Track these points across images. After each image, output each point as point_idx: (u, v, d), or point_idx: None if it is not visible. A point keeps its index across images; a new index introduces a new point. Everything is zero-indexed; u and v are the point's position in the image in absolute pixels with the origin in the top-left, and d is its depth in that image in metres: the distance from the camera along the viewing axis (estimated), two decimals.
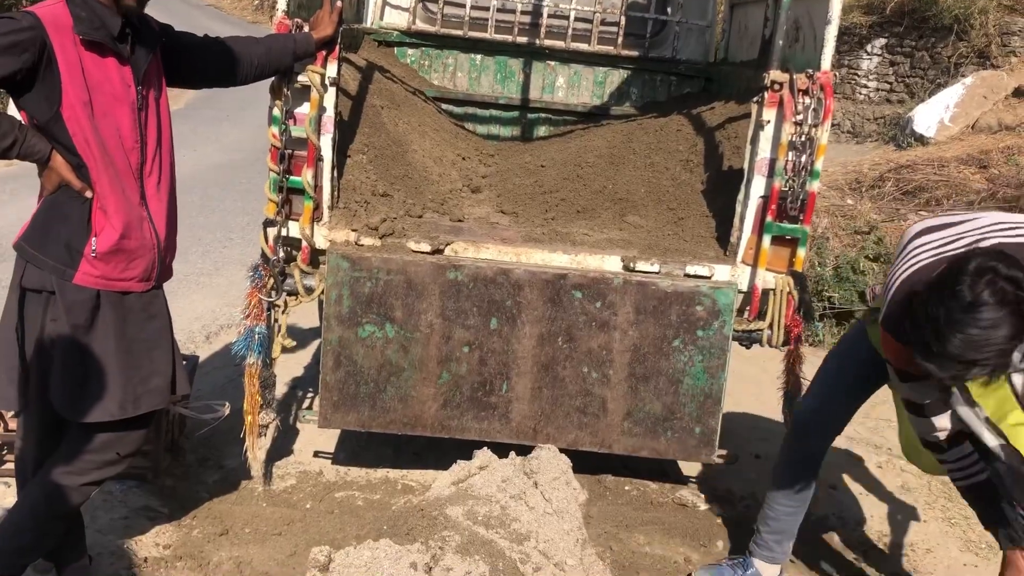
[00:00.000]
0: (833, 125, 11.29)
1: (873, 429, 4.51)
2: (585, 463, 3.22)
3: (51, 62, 2.11)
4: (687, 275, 3.04)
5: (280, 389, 4.12)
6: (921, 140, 9.18)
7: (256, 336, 3.01)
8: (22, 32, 2.07)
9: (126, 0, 2.19)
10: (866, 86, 11.23)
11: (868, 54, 11.17)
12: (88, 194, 2.22)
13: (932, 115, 9.26)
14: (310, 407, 4.06)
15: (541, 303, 2.99)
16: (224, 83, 2.69)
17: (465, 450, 2.84)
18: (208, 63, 2.60)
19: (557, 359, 3.03)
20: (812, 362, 3.08)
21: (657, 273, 3.04)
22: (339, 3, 2.88)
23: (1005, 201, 6.78)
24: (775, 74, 2.92)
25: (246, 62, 2.66)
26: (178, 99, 12.59)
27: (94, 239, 2.24)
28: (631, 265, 3.05)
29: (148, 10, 2.34)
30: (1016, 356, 2.00)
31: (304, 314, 4.60)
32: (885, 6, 10.67)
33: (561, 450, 2.80)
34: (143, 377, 2.38)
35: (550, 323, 3.01)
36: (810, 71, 2.93)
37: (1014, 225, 2.21)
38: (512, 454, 2.75)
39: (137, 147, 2.29)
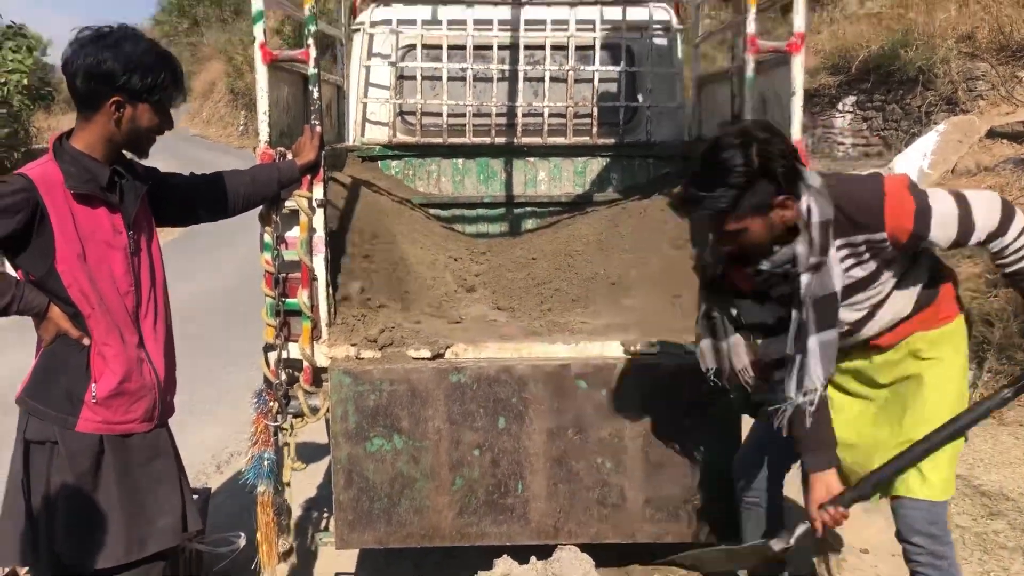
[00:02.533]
0: None
1: None
2: (610, 555, 3.16)
3: (44, 220, 2.17)
4: (688, 352, 3.04)
5: (295, 512, 4.07)
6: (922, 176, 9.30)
7: (265, 463, 3.00)
8: (15, 195, 2.14)
9: (145, 149, 2.36)
10: (842, 143, 11.45)
11: (840, 112, 11.43)
12: (86, 342, 2.25)
13: (911, 164, 9.40)
14: (326, 528, 3.99)
15: (547, 397, 2.99)
16: (213, 218, 2.75)
17: (486, 556, 2.79)
18: (196, 201, 2.67)
19: (569, 452, 3.01)
20: None
21: (659, 354, 3.04)
22: (319, 128, 2.97)
23: None
24: None
25: (232, 196, 2.72)
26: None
27: (94, 385, 2.27)
28: (632, 349, 3.05)
29: None
30: (802, 251, 2.20)
31: (314, 432, 4.58)
32: (850, 65, 10.97)
33: (584, 545, 2.76)
34: (149, 518, 2.37)
35: (558, 416, 2.99)
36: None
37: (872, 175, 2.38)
38: (533, 559, 2.71)
39: (132, 290, 2.33)
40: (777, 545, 2.51)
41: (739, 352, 2.56)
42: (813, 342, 2.29)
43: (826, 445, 2.42)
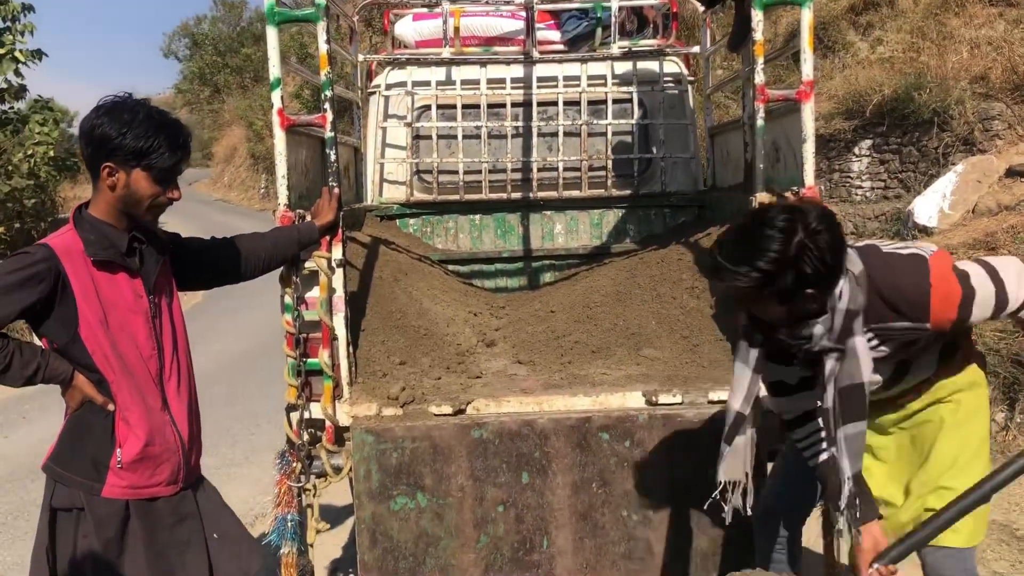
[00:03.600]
0: None
1: None
2: None
3: (66, 288, 2.21)
4: (711, 402, 3.02)
5: (320, 573, 4.04)
6: (925, 231, 9.25)
7: (289, 524, 2.99)
8: (37, 265, 2.19)
9: (146, 219, 2.35)
10: (860, 187, 11.44)
11: (857, 156, 11.44)
12: (110, 407, 2.28)
13: (931, 205, 9.38)
14: None
15: (569, 450, 2.97)
16: (234, 280, 2.78)
17: None
18: (217, 264, 2.71)
19: (594, 506, 2.97)
20: None
21: (681, 403, 3.02)
22: (337, 189, 3.02)
23: None
24: (761, 196, 3.00)
25: (253, 258, 2.76)
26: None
27: (119, 450, 2.28)
28: (653, 399, 3.04)
29: (170, 208, 2.49)
30: (819, 331, 2.13)
31: (338, 492, 4.57)
32: (864, 109, 11.01)
33: None
34: None
35: (582, 469, 2.97)
36: (795, 188, 3.01)
37: (906, 244, 2.32)
38: None
39: (155, 354, 2.36)
40: None
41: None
42: (840, 435, 2.22)
43: (866, 494, 2.33)
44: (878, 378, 2.31)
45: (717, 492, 2.50)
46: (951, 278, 2.16)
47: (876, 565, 2.24)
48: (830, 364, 2.18)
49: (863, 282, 2.14)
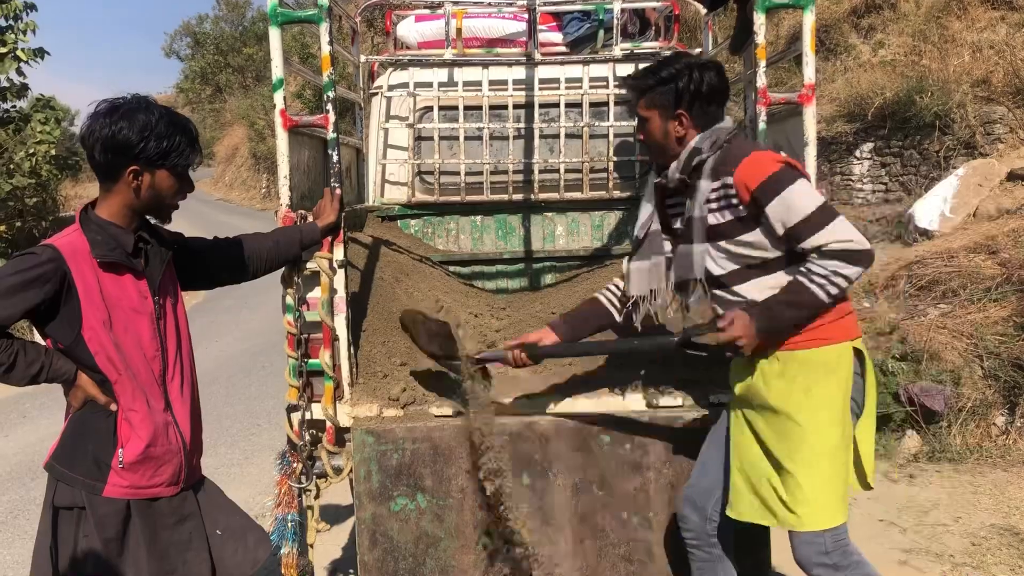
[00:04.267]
0: None
1: (930, 536, 4.35)
2: None
3: (71, 289, 2.22)
4: (712, 404, 3.02)
5: (320, 574, 4.04)
6: (926, 234, 9.26)
7: (289, 524, 2.99)
8: (43, 266, 2.19)
9: (167, 215, 2.42)
10: (862, 190, 11.44)
11: (858, 159, 11.44)
12: (113, 407, 2.28)
13: (932, 209, 9.38)
14: None
15: (570, 452, 2.97)
16: (237, 281, 2.80)
17: None
18: (221, 264, 2.72)
19: (594, 508, 2.98)
20: None
21: (681, 406, 3.02)
22: (338, 190, 3.02)
23: (1020, 283, 6.77)
24: None
25: (256, 258, 2.77)
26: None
27: (120, 450, 2.29)
28: (654, 401, 3.04)
29: None
30: (672, 167, 2.62)
31: (338, 493, 4.57)
32: (866, 112, 11.01)
33: None
34: None
35: (582, 472, 2.97)
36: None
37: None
38: None
39: (158, 355, 2.37)
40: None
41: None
42: (695, 249, 2.60)
43: (570, 318, 2.97)
44: (719, 268, 2.58)
45: (630, 304, 2.89)
46: (775, 163, 2.43)
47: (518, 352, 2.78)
48: (706, 185, 2.55)
49: (720, 138, 2.55)
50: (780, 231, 2.40)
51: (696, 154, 2.56)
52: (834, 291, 2.38)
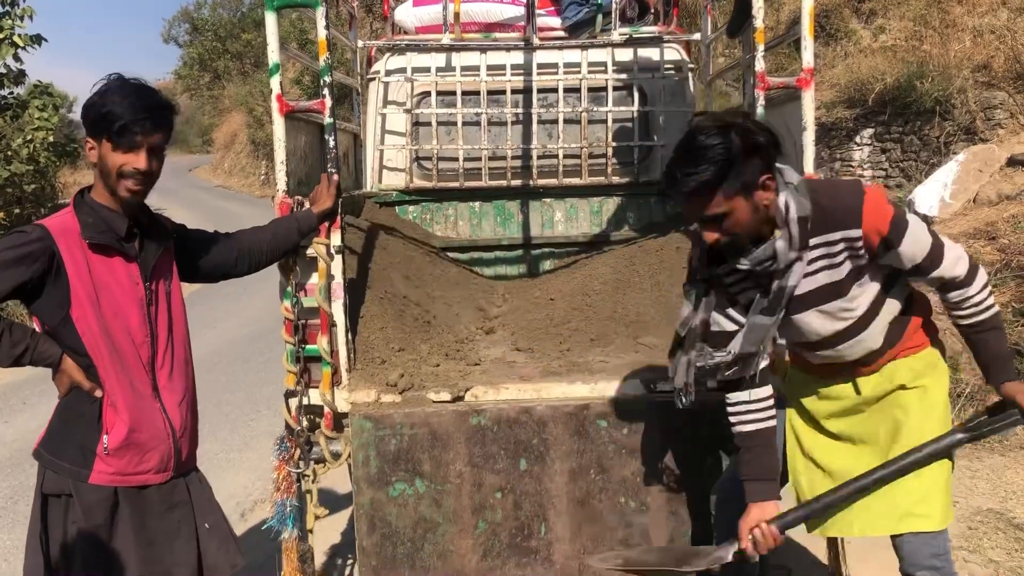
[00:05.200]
0: None
1: None
2: None
3: (60, 269, 2.22)
4: (708, 389, 3.02)
5: (319, 559, 4.05)
6: (926, 219, 9.24)
7: (288, 510, 3.00)
8: (31, 244, 2.20)
9: (121, 194, 2.29)
10: (862, 175, 11.42)
11: (858, 145, 11.42)
12: (98, 394, 2.28)
13: (932, 194, 9.37)
14: (350, 574, 3.98)
15: (567, 437, 2.98)
16: (238, 274, 2.80)
17: None
18: (221, 258, 2.71)
19: (592, 493, 2.98)
20: None
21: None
22: (336, 176, 3.02)
23: (1020, 269, 6.76)
24: None
25: (257, 252, 2.78)
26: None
27: (105, 436, 2.29)
28: (652, 387, 3.04)
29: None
30: (782, 247, 2.20)
31: (337, 478, 4.58)
32: (866, 98, 10.98)
33: None
34: (165, 570, 2.37)
35: (579, 456, 2.98)
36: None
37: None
38: None
39: (147, 341, 2.36)
40: (713, 554, 2.51)
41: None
42: (751, 320, 2.34)
43: (767, 474, 2.45)
44: (821, 322, 2.35)
45: (673, 390, 2.59)
46: (884, 200, 2.24)
47: (764, 526, 2.36)
48: (775, 287, 2.27)
49: (804, 190, 2.22)
50: (907, 267, 2.28)
51: (805, 222, 2.21)
52: (993, 301, 2.34)
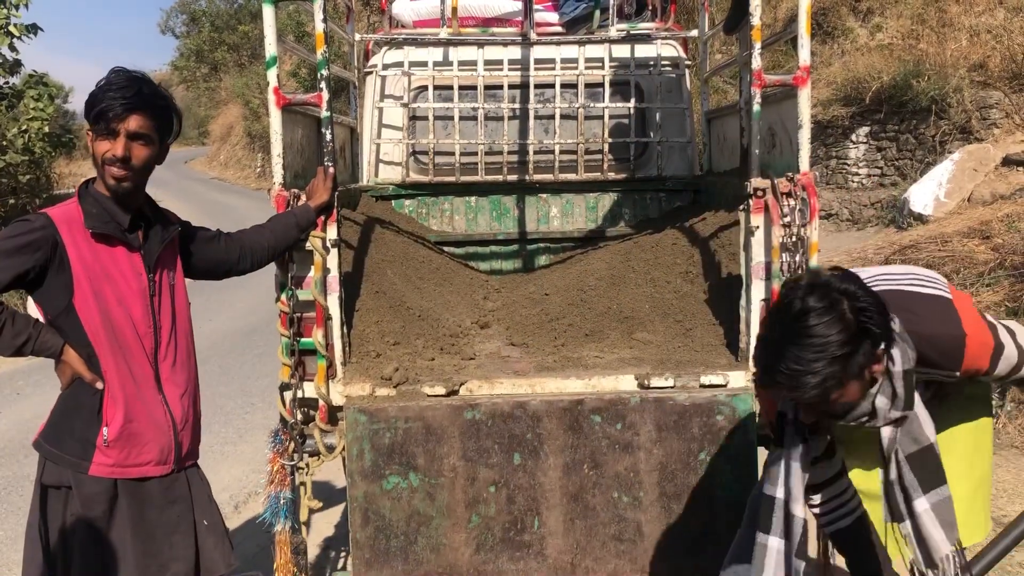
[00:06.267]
0: (831, 214, 11.47)
1: None
2: None
3: (63, 258, 2.22)
4: (703, 385, 3.03)
5: (312, 551, 4.07)
6: (920, 219, 9.28)
7: (282, 502, 3.00)
8: (34, 232, 2.20)
9: (108, 182, 2.29)
10: (857, 173, 11.45)
11: (854, 143, 11.44)
12: (99, 385, 2.28)
13: (927, 193, 9.40)
14: (344, 567, 3.99)
15: (561, 432, 2.99)
16: (240, 272, 2.81)
17: None
18: (224, 255, 2.72)
19: (585, 487, 2.99)
20: None
21: (672, 387, 3.03)
22: (332, 169, 3.02)
23: (1013, 268, 6.79)
24: (756, 181, 3.00)
25: (258, 249, 2.79)
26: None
27: (105, 428, 2.29)
28: (646, 382, 3.05)
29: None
30: (883, 404, 1.97)
31: (331, 471, 4.59)
32: (863, 96, 11.00)
33: None
34: (162, 564, 2.37)
35: (573, 451, 2.99)
36: (790, 174, 3.01)
37: (907, 274, 2.21)
38: None
39: (151, 332, 2.37)
40: None
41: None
42: (923, 505, 2.05)
43: (879, 567, 2.26)
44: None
45: None
46: (983, 326, 2.08)
47: None
48: (888, 432, 2.03)
49: (907, 338, 1.98)
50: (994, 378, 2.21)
51: (911, 376, 1.98)
52: None
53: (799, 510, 2.15)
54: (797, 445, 2.14)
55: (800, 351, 1.82)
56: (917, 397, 2.01)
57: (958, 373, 2.10)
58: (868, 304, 1.84)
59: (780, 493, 2.16)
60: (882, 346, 1.88)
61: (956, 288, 2.22)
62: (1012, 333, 2.17)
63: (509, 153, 4.60)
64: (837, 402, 1.91)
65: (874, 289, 1.98)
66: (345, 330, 3.12)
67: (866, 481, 2.37)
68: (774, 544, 2.16)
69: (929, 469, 2.04)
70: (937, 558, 2.05)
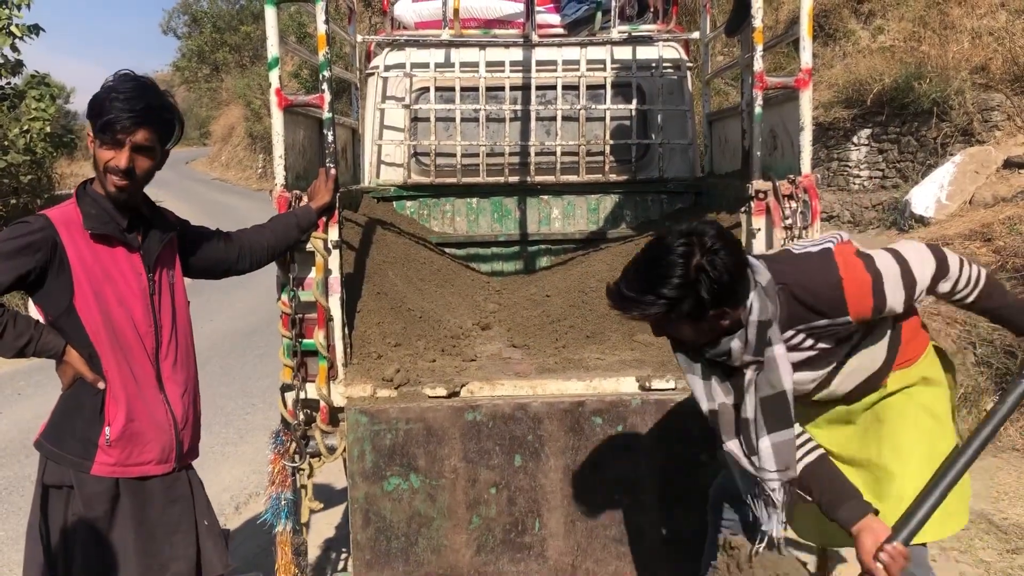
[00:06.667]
0: (833, 216, 11.46)
1: None
2: None
3: (63, 259, 2.22)
4: None
5: (313, 552, 4.07)
6: (922, 221, 9.27)
7: (283, 502, 3.01)
8: (34, 234, 2.20)
9: (108, 189, 2.28)
10: (859, 175, 11.44)
11: (855, 145, 11.43)
12: (101, 385, 2.28)
13: (928, 195, 9.39)
14: (344, 568, 3.99)
15: (562, 434, 2.99)
16: (240, 271, 2.80)
17: None
18: (224, 254, 2.71)
19: (586, 489, 2.99)
20: None
21: (673, 389, 3.04)
22: (334, 170, 3.02)
23: (1015, 271, 6.79)
24: (758, 183, 3.01)
25: (258, 249, 2.79)
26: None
27: (107, 428, 2.29)
28: (647, 384, 3.05)
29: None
30: (737, 347, 2.15)
31: (332, 472, 4.59)
32: (864, 98, 10.99)
33: None
34: (163, 563, 2.37)
35: (574, 453, 2.99)
36: (792, 176, 3.02)
37: (819, 240, 2.31)
38: None
39: (151, 331, 2.37)
40: None
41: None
42: (765, 444, 2.19)
43: (850, 493, 2.21)
44: (812, 376, 2.31)
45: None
46: (857, 264, 2.18)
47: (885, 546, 2.10)
48: (749, 375, 2.18)
49: (772, 292, 2.14)
50: (901, 310, 2.25)
51: (766, 327, 2.14)
52: (976, 268, 2.29)
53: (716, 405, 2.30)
54: (696, 361, 2.30)
55: (638, 277, 2.06)
56: (780, 348, 2.16)
57: (850, 319, 2.17)
58: (715, 268, 2.01)
59: (707, 406, 2.30)
60: (717, 306, 2.04)
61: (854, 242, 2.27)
62: (897, 255, 2.21)
63: (510, 155, 4.60)
64: (676, 336, 2.19)
65: (780, 254, 2.29)
66: (346, 331, 3.12)
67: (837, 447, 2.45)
68: (732, 446, 2.27)
69: (777, 414, 2.19)
70: (768, 488, 2.22)
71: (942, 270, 2.25)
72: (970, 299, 2.31)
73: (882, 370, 2.37)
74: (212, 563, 2.51)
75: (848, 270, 2.16)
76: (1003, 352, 5.91)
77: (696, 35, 4.85)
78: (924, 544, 2.34)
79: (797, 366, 2.26)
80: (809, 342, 2.24)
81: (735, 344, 2.15)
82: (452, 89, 4.56)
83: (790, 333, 2.21)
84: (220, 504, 4.99)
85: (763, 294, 2.13)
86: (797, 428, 2.30)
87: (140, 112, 2.24)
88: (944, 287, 2.27)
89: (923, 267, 2.23)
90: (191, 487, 2.50)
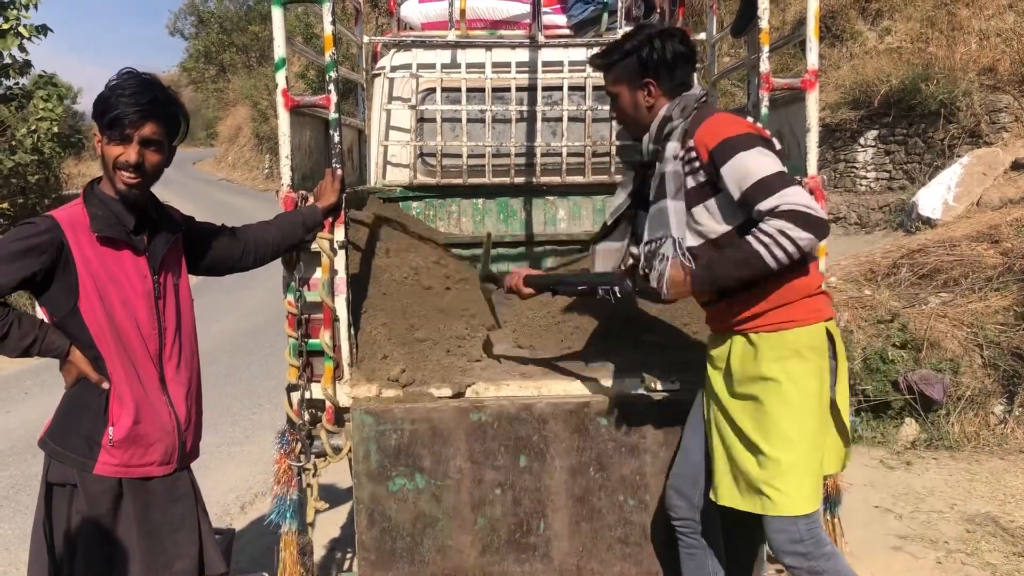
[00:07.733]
0: (839, 218, 11.44)
1: (925, 523, 4.36)
2: None
3: (68, 260, 2.23)
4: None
5: (318, 552, 4.07)
6: (928, 223, 9.25)
7: (288, 503, 3.01)
8: (40, 235, 2.21)
9: (118, 186, 2.29)
10: (865, 177, 11.42)
11: (862, 146, 11.42)
12: (105, 386, 2.29)
13: (935, 197, 9.37)
14: (349, 568, 3.99)
15: (568, 435, 2.99)
16: (244, 268, 2.81)
17: None
18: (228, 251, 2.72)
19: (591, 490, 2.99)
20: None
21: (679, 390, 3.03)
22: (340, 171, 3.02)
23: (1022, 273, 6.77)
24: None
25: (262, 246, 2.79)
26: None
27: (111, 428, 2.30)
28: (652, 385, 3.05)
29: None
30: (645, 139, 2.62)
31: (337, 472, 4.59)
32: (872, 99, 10.98)
33: None
34: (166, 562, 2.38)
35: (579, 454, 2.99)
36: (798, 177, 3.01)
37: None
38: None
39: (155, 333, 2.37)
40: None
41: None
42: (669, 204, 2.51)
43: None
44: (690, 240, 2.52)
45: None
46: (737, 130, 2.42)
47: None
48: (670, 167, 2.52)
49: (689, 106, 2.55)
50: (736, 195, 2.35)
51: (667, 122, 2.56)
52: (780, 253, 2.27)
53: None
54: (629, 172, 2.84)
55: (616, 40, 2.69)
56: (676, 144, 2.51)
57: (694, 142, 2.46)
58: (664, 47, 2.55)
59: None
60: (647, 76, 2.56)
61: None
62: (784, 173, 2.36)
63: (516, 155, 4.60)
64: (618, 103, 2.66)
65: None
66: (352, 331, 3.12)
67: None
68: (670, 204, 2.53)
69: (675, 183, 2.51)
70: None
71: (793, 218, 2.27)
72: (738, 256, 2.37)
73: (738, 303, 2.49)
74: (214, 562, 2.52)
75: (727, 119, 2.49)
76: (1010, 354, 5.90)
77: (703, 36, 4.84)
78: (808, 516, 2.45)
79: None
80: (688, 168, 2.50)
81: (645, 137, 2.62)
82: (458, 90, 4.56)
83: (681, 151, 2.51)
84: (226, 504, 5.00)
85: (680, 101, 2.56)
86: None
87: (146, 105, 2.25)
88: (758, 214, 2.33)
89: (794, 195, 2.29)
90: (193, 487, 2.51)
